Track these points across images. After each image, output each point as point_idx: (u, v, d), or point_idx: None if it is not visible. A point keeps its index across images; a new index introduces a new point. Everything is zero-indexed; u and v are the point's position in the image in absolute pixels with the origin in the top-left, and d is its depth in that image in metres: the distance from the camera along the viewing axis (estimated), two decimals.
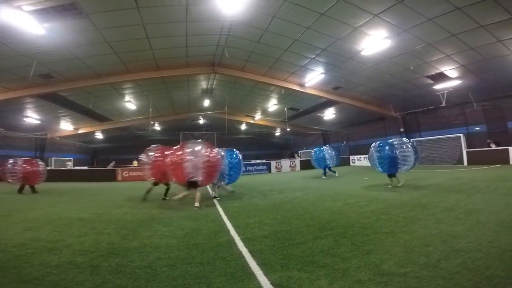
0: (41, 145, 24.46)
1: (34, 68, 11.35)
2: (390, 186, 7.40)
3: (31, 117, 19.27)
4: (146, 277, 2.30)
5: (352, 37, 10.82)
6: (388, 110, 20.13)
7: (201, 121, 27.74)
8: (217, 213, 5.27)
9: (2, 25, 8.29)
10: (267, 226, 4.04)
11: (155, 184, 7.50)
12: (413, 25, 9.69)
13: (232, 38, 11.49)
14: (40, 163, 10.73)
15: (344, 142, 28.38)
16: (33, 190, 10.06)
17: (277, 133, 33.87)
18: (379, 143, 7.97)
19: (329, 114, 23.62)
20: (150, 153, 7.40)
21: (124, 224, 4.47)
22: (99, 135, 28.24)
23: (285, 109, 22.34)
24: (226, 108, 21.73)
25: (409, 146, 7.45)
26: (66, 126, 23.27)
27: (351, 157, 24.60)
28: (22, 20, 8.04)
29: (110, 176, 17.82)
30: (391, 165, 7.49)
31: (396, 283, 2.09)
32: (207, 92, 19.25)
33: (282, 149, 40.19)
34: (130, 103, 19.06)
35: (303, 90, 16.80)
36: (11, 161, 10.18)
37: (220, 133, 27.18)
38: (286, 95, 18.76)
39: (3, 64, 10.97)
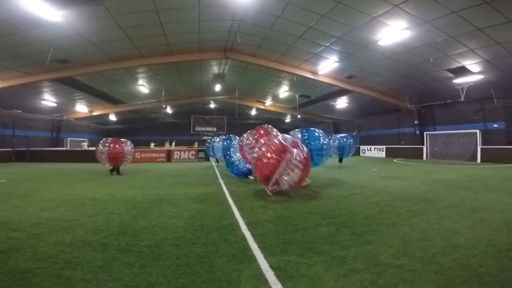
0: (58, 126, 25.27)
1: (51, 54, 11.59)
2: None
3: (48, 100, 19.87)
4: (153, 256, 2.45)
5: (369, 27, 10.45)
6: (404, 101, 19.58)
7: (212, 105, 27.90)
8: (224, 196, 5.44)
9: (20, 13, 8.43)
10: (271, 211, 4.15)
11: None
12: (436, 17, 9.24)
13: (244, 24, 11.30)
14: (126, 143, 9.77)
15: (356, 132, 27.94)
16: (113, 171, 9.60)
17: (287, 119, 33.59)
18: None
19: (342, 103, 23.24)
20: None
21: (135, 204, 4.67)
22: (113, 117, 28.90)
23: (297, 96, 22.10)
24: (237, 93, 21.68)
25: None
26: (81, 108, 23.92)
27: (362, 147, 24.27)
28: (39, 8, 8.13)
29: None
30: None
31: (390, 274, 2.15)
32: (219, 77, 19.21)
33: None
34: (143, 86, 19.29)
35: (315, 78, 16.51)
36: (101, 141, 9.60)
37: (230, 118, 27.45)
38: (298, 82, 18.48)
39: (22, 50, 11.23)
